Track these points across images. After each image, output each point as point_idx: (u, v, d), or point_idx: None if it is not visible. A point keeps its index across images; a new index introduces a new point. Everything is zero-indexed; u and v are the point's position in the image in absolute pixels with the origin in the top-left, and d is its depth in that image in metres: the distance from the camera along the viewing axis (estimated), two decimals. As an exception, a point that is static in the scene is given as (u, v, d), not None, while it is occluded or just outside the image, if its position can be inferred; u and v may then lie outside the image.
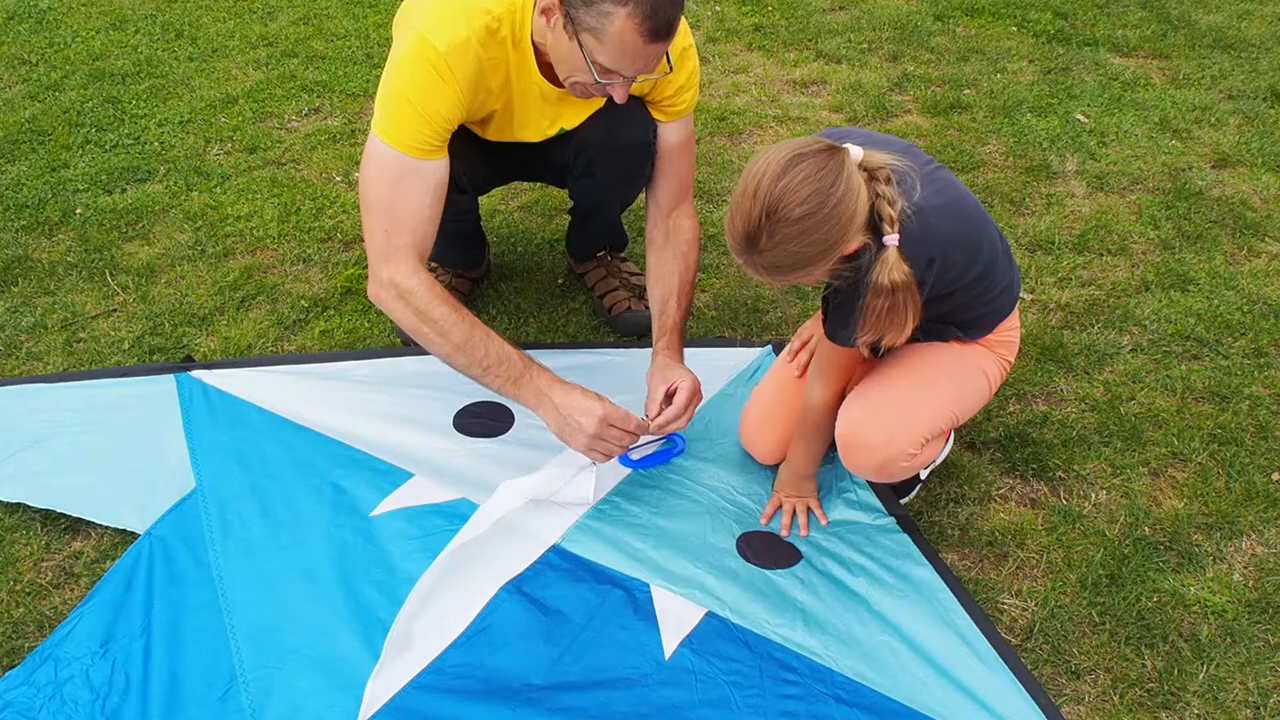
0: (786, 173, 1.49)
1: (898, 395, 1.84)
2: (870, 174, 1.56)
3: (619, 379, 2.25)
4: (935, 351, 1.89)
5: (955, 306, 1.79)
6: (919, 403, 1.84)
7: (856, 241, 1.56)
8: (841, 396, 1.89)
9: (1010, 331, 1.93)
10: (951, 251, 1.65)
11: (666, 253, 2.17)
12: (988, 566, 1.93)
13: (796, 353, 2.09)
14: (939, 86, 3.68)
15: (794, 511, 1.98)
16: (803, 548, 1.93)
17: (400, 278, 1.91)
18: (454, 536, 1.85)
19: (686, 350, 2.12)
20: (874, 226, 1.57)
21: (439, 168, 1.94)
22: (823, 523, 1.95)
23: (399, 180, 1.90)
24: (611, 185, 2.29)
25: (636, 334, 2.50)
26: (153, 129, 3.48)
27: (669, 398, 1.99)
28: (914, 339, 1.75)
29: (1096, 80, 3.68)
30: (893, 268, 1.56)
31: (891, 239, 1.56)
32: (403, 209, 1.91)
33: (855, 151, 1.56)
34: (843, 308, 1.68)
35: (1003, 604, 1.85)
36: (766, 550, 1.92)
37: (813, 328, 2.07)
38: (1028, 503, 2.07)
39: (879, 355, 1.91)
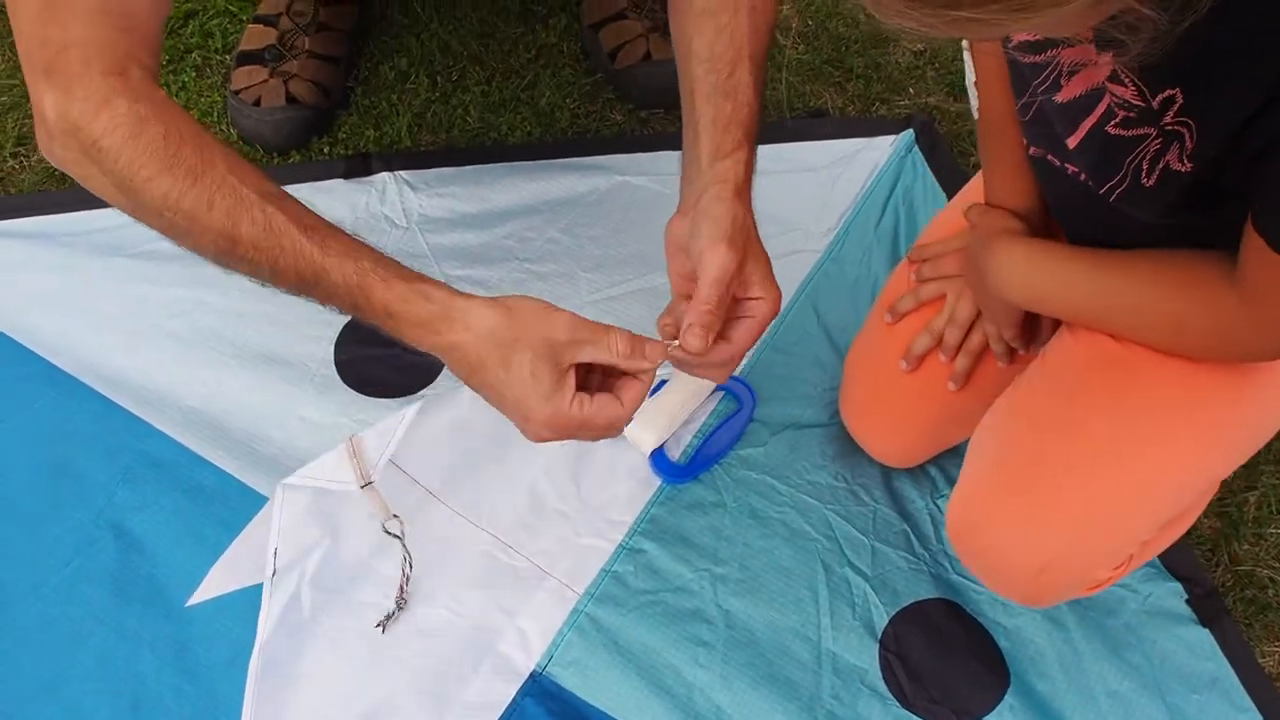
0: None
1: (1074, 453, 0.84)
2: None
3: (641, 231, 1.22)
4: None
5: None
6: (1127, 483, 0.82)
7: None
8: None
9: None
10: None
11: None
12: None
13: (897, 299, 1.03)
14: None
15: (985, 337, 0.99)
16: (1012, 653, 1.02)
17: (79, 113, 0.78)
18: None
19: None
20: None
21: None
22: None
23: None
24: None
25: (666, 106, 1.37)
26: None
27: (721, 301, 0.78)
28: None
29: None
30: None
31: None
32: None
33: None
34: None
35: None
36: (937, 668, 1.01)
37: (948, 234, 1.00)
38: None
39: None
